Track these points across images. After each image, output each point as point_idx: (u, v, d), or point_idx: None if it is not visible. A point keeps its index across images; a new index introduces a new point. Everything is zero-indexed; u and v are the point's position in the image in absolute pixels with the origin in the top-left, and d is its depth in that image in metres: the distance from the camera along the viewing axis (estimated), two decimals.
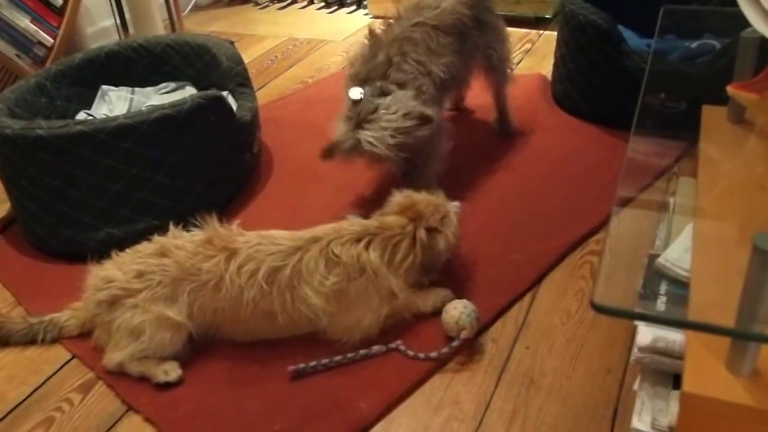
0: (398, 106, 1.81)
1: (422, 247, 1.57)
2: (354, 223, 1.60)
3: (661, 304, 1.11)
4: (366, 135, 1.79)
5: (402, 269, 1.56)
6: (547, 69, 2.75)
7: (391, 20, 2.04)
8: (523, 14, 3.36)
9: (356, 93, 1.83)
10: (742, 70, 1.38)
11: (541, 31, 3.28)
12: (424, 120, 1.82)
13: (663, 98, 2.04)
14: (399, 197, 1.66)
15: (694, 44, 2.29)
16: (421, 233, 1.58)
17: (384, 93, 1.85)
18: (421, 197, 1.65)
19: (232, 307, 1.51)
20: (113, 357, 1.52)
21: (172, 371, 1.50)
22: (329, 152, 1.84)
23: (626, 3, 2.54)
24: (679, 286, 1.13)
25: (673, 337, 1.09)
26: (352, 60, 1.99)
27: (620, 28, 2.30)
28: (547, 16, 3.36)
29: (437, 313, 1.59)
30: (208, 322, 1.54)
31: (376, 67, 1.90)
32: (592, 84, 2.37)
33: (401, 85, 1.87)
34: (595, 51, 2.32)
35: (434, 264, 1.62)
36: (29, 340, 1.64)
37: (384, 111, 1.80)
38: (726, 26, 2.12)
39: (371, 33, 1.99)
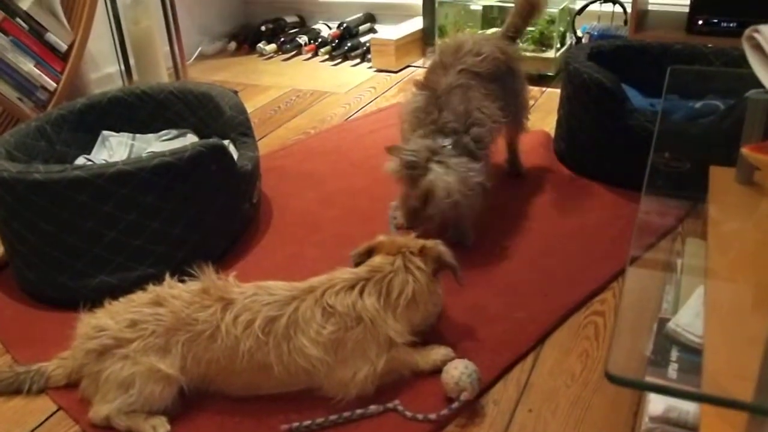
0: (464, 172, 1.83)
1: (418, 268, 1.56)
2: (345, 272, 1.57)
3: (672, 372, 1.07)
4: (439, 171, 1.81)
5: (401, 307, 1.53)
6: (550, 126, 2.74)
7: (437, 68, 2.03)
8: (526, 71, 3.37)
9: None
10: (750, 131, 1.37)
11: (544, 89, 3.30)
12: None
13: (667, 158, 2.03)
14: (375, 240, 1.65)
15: (698, 104, 2.29)
16: (413, 259, 1.56)
17: (462, 151, 1.87)
18: (395, 237, 1.65)
19: (228, 358, 1.46)
20: (100, 410, 1.46)
21: (160, 427, 1.44)
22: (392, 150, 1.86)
23: (630, 62, 2.55)
24: (691, 352, 1.09)
25: (687, 407, 1.05)
26: (408, 113, 1.98)
27: (624, 86, 2.30)
28: (549, 74, 3.38)
29: (437, 371, 1.54)
30: (202, 374, 1.49)
31: (456, 117, 1.90)
32: (595, 142, 2.36)
33: (477, 142, 1.89)
34: (598, 109, 2.31)
35: (455, 269, 1.61)
36: (14, 390, 1.58)
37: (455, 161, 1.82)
38: (730, 87, 2.12)
39: (423, 85, 1.98)
